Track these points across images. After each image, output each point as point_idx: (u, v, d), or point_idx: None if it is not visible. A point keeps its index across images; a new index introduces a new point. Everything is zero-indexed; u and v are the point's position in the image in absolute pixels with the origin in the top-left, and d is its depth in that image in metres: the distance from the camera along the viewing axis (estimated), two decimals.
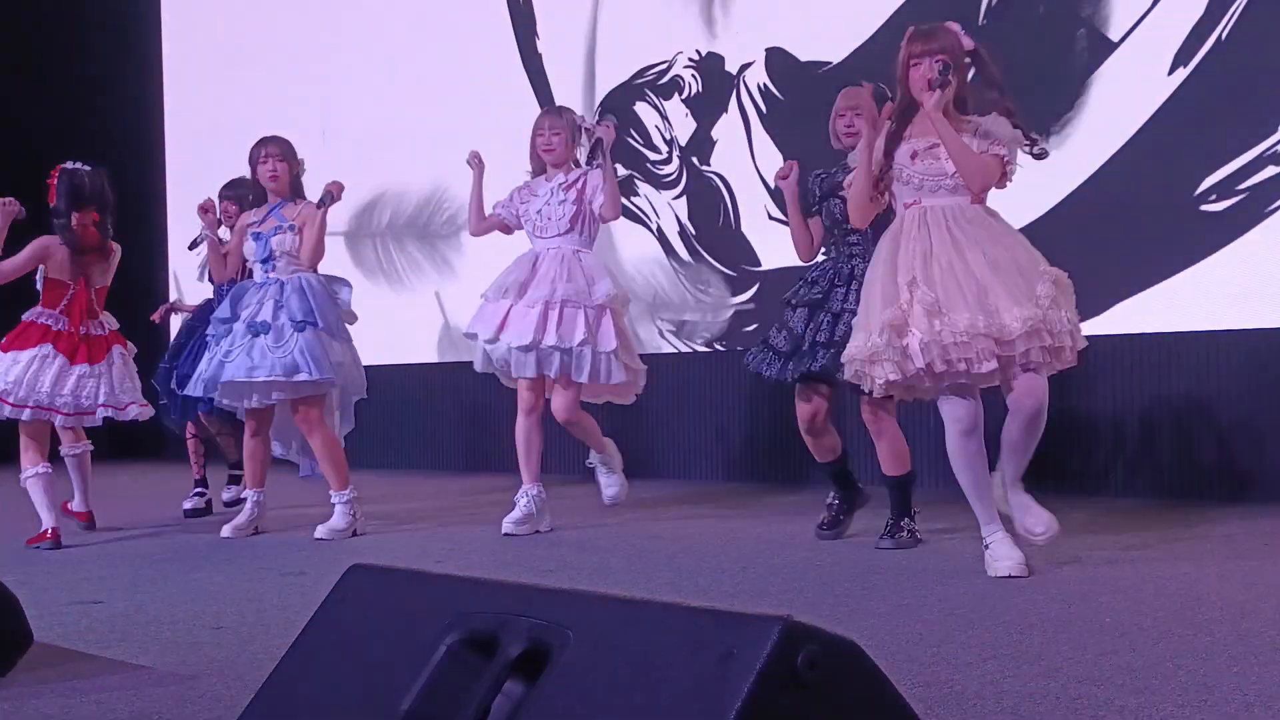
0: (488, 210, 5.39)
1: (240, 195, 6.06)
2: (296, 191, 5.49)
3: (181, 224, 10.60)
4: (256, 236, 5.41)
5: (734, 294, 7.46)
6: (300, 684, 1.80)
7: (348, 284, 5.54)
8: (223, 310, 5.44)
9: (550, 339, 5.07)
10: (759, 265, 7.29)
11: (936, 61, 3.88)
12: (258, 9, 10.16)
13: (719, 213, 7.55)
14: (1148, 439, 5.98)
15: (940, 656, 2.87)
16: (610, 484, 5.46)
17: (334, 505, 5.34)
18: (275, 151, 5.47)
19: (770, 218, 7.24)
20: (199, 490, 6.32)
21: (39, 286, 5.44)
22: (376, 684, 1.70)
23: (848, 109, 4.74)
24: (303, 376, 5.21)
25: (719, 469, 7.41)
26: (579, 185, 5.24)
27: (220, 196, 6.16)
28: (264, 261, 5.39)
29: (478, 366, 5.36)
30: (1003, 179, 3.95)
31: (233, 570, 4.55)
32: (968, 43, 3.97)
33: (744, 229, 7.45)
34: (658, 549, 4.76)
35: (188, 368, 5.87)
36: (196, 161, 10.49)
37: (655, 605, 1.58)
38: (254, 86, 10.01)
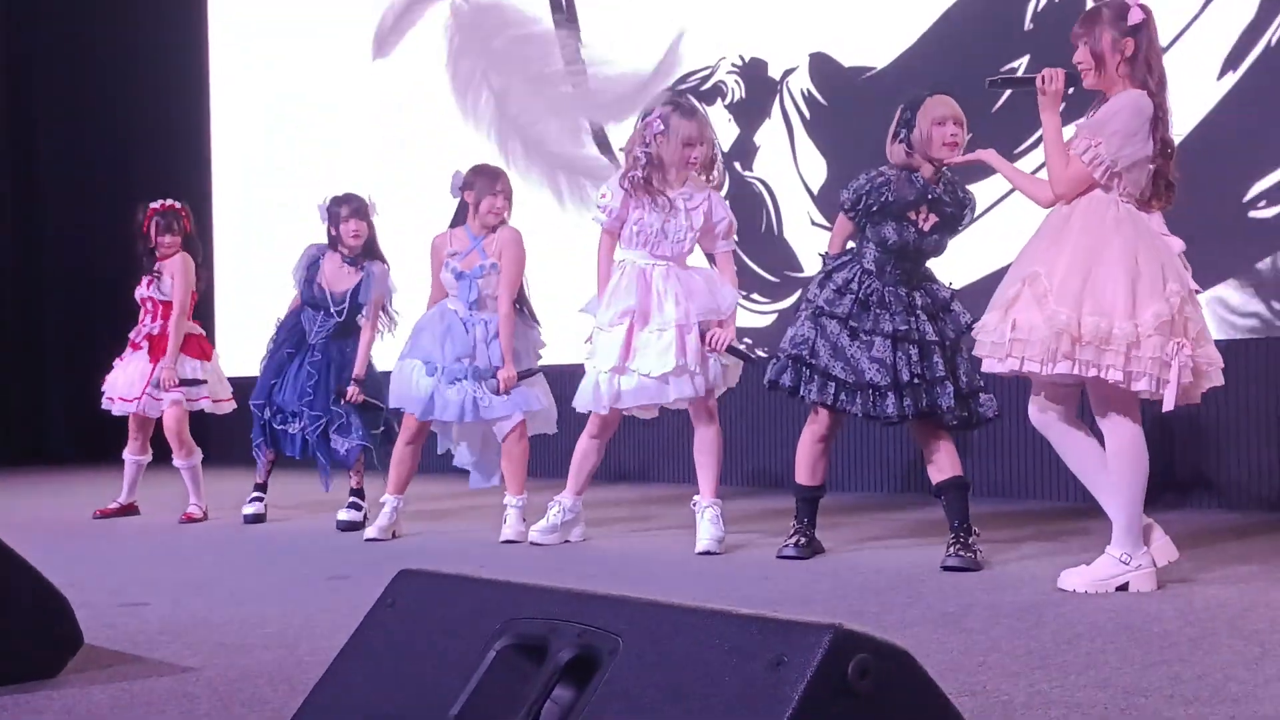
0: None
1: (361, 208, 6.00)
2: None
3: (228, 251, 10.70)
4: (460, 276, 5.41)
5: (775, 300, 7.44)
6: (350, 688, 1.81)
7: (537, 324, 5.56)
8: (433, 347, 5.40)
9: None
10: (801, 271, 7.28)
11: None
12: (305, 38, 10.21)
13: (761, 219, 7.54)
14: (1194, 448, 5.92)
15: (986, 666, 2.85)
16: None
17: (507, 508, 5.31)
18: (509, 190, 5.50)
19: (813, 223, 7.23)
20: (257, 496, 6.30)
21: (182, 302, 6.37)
22: (426, 688, 1.71)
23: (950, 117, 4.41)
24: (532, 411, 5.39)
25: (755, 477, 7.39)
26: (703, 208, 5.00)
27: (346, 215, 5.96)
28: (470, 303, 5.42)
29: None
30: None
31: (276, 573, 4.58)
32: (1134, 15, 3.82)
33: (786, 235, 7.44)
34: (699, 557, 4.75)
35: (290, 400, 5.95)
36: (244, 194, 10.59)
37: (705, 612, 1.58)
38: (301, 108, 10.08)
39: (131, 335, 6.52)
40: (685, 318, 4.86)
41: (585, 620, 1.63)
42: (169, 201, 6.52)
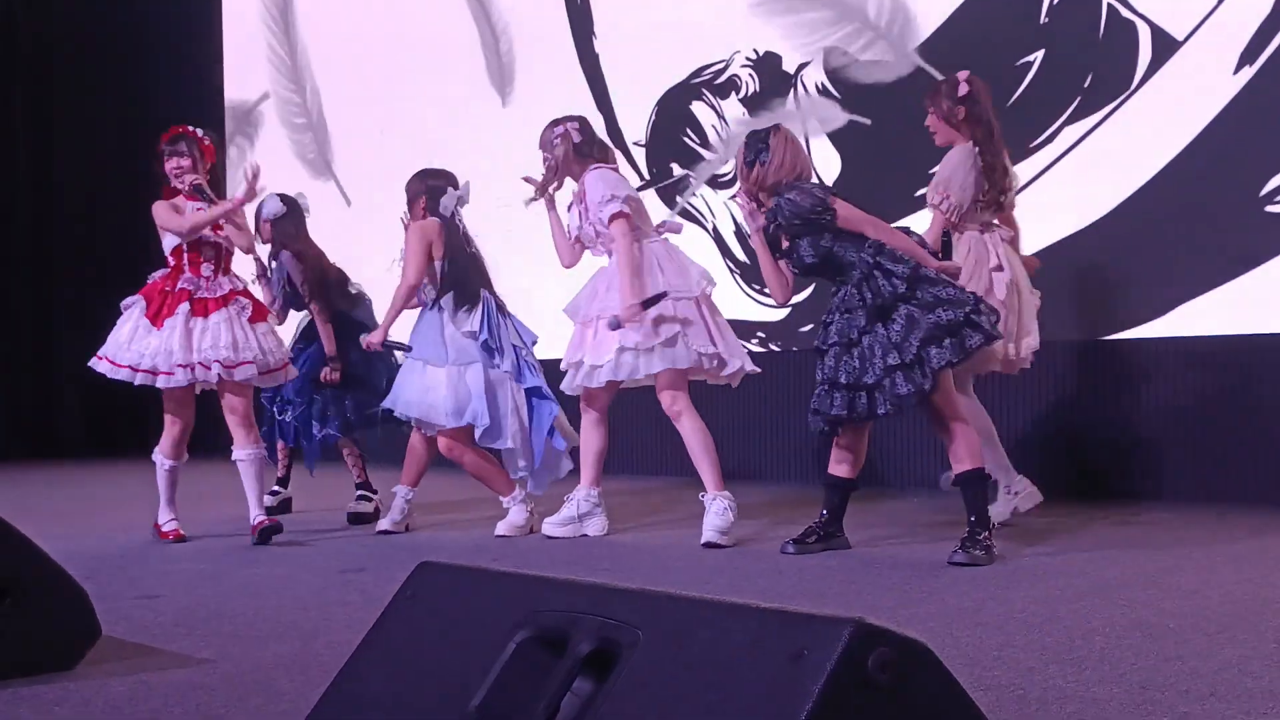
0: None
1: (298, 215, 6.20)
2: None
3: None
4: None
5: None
6: (371, 680, 1.82)
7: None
8: (434, 347, 5.44)
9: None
10: None
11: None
12: (317, 10, 10.24)
13: None
14: (1209, 443, 5.91)
15: (1001, 660, 2.85)
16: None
17: (507, 507, 5.38)
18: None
19: None
20: (275, 489, 6.30)
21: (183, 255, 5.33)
22: (446, 681, 1.71)
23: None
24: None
25: (770, 470, 7.39)
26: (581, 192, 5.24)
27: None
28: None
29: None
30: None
31: (292, 566, 4.59)
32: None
33: None
34: (714, 551, 4.76)
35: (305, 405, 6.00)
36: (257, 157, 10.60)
37: (725, 605, 1.58)
38: (313, 85, 10.10)
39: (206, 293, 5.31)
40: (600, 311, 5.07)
41: (605, 613, 1.63)
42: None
